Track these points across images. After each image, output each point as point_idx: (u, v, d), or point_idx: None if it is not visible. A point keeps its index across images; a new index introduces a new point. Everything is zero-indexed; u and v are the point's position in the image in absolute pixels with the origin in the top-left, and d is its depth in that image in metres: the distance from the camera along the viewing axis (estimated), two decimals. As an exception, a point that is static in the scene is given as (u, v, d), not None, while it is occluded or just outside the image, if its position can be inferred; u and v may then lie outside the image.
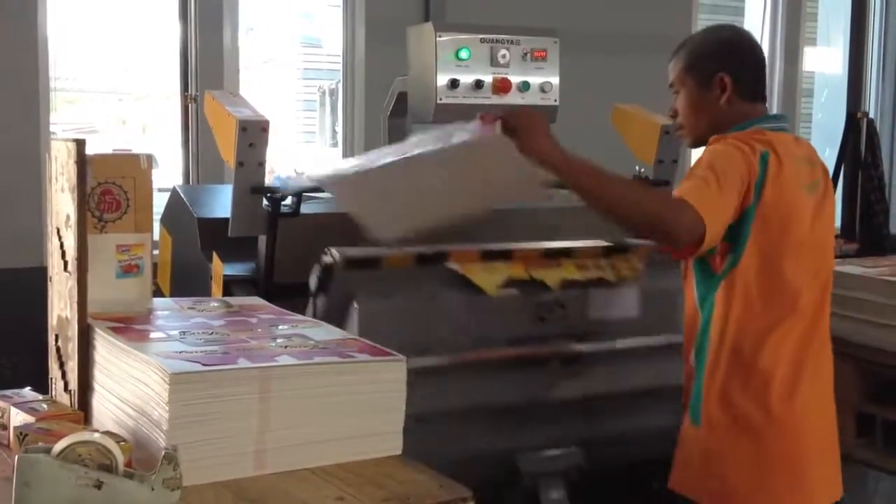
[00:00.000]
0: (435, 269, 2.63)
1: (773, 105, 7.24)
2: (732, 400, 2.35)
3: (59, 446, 1.40)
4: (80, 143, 1.93)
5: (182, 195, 3.18)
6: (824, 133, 7.66)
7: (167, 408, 1.60)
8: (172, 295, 3.04)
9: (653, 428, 2.70)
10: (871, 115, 5.82)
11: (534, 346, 2.70)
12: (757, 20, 7.34)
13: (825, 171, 2.49)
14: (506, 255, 2.73)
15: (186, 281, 3.03)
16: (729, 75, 2.40)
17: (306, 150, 7.48)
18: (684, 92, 2.47)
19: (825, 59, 7.97)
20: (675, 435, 2.46)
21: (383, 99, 3.13)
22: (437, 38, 2.66)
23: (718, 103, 2.41)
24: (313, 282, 2.56)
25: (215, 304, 2.26)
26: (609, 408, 2.79)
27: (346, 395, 1.76)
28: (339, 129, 6.72)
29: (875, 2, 7.22)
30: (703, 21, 7.01)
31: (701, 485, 2.39)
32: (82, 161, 1.93)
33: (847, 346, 2.95)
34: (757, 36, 7.16)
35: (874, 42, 7.13)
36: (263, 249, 2.76)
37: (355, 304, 2.49)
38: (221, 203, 3.21)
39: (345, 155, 6.33)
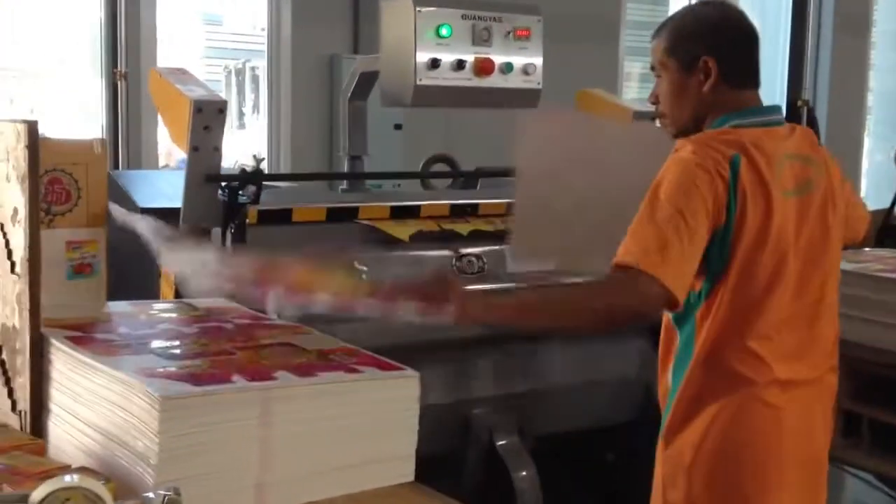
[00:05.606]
0: (345, 225, 2.68)
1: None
2: None
3: (37, 496, 1.14)
4: (31, 125, 1.66)
5: (119, 182, 2.89)
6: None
7: (157, 439, 1.35)
8: (111, 296, 2.75)
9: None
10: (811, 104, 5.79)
11: None
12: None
13: (826, 164, 2.21)
14: (414, 212, 2.79)
15: (127, 280, 2.74)
16: (713, 59, 2.15)
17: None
18: (666, 76, 2.22)
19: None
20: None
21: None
22: (417, 12, 2.42)
23: (702, 90, 2.16)
24: (227, 239, 2.52)
25: (179, 308, 2.01)
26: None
27: (355, 416, 1.54)
28: (247, 110, 6.52)
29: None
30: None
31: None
32: (34, 146, 1.66)
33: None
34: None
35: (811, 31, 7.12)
36: (219, 243, 2.51)
37: None
38: (162, 190, 2.94)
39: (270, 136, 6.05)
